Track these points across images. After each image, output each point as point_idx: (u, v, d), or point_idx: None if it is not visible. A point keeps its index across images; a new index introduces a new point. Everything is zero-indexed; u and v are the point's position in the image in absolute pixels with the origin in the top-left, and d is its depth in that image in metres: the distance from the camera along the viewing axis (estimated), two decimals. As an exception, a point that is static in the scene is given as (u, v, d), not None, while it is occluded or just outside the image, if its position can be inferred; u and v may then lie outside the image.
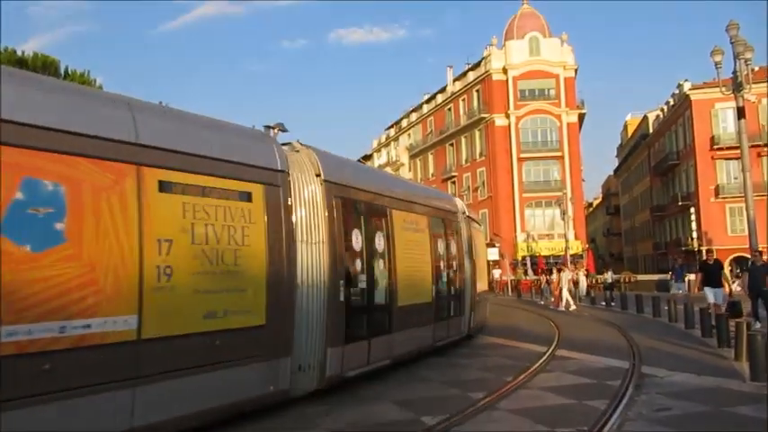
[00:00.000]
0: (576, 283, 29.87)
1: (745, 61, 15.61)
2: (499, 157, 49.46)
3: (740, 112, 16.48)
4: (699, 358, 10.54)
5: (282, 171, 7.11)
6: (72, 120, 5.02)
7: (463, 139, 54.80)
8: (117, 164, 5.25)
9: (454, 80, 58.05)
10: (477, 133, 52.75)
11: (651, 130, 60.46)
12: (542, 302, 27.57)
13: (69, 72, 24.74)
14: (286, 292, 6.89)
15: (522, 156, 49.03)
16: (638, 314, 20.14)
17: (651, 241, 59.47)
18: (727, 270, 27.66)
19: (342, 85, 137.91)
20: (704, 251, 28.40)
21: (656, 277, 37.43)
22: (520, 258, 46.79)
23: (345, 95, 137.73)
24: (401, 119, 69.33)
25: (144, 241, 5.34)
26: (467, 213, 13.77)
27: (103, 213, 5.07)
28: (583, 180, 52.10)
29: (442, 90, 59.94)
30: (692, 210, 45.03)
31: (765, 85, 32.89)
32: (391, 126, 72.70)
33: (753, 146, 29.18)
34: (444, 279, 11.65)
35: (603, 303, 25.38)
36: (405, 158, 65.55)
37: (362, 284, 8.50)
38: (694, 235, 43.98)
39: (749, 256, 16.41)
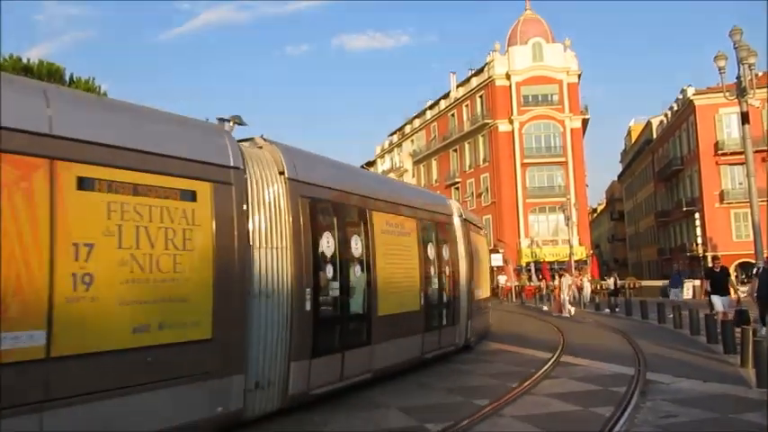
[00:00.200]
0: (580, 289, 29.86)
1: (749, 66, 15.60)
2: (503, 162, 49.46)
3: (744, 118, 16.45)
4: (704, 365, 10.48)
5: (237, 168, 6.38)
6: None
7: (467, 145, 54.84)
8: (25, 158, 4.65)
9: (457, 86, 58.15)
10: (480, 139, 52.78)
11: (655, 136, 60.40)
12: (545, 308, 27.52)
13: (74, 79, 24.86)
14: (239, 303, 6.20)
15: (526, 161, 49.03)
16: (643, 320, 20.06)
17: (656, 247, 59.30)
18: (732, 276, 27.54)
19: (345, 91, 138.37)
20: (709, 257, 28.22)
21: (660, 283, 37.40)
22: (524, 264, 46.70)
23: (349, 101, 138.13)
24: (404, 125, 69.44)
25: (56, 245, 4.71)
26: (463, 216, 13.00)
27: (4, 213, 4.49)
28: (587, 185, 52.12)
29: (446, 96, 60.03)
30: (697, 215, 44.93)
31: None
32: (395, 132, 72.81)
33: (757, 151, 29.07)
34: (435, 286, 10.94)
35: (608, 310, 25.31)
36: (408, 165, 65.60)
37: (335, 293, 7.83)
38: (699, 240, 43.86)
39: (755, 261, 16.32)
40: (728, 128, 44.42)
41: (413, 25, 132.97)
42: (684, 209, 48.37)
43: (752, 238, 16.79)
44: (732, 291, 14.45)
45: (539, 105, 49.70)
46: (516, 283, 39.54)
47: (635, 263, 68.92)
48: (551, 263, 44.59)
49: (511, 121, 49.52)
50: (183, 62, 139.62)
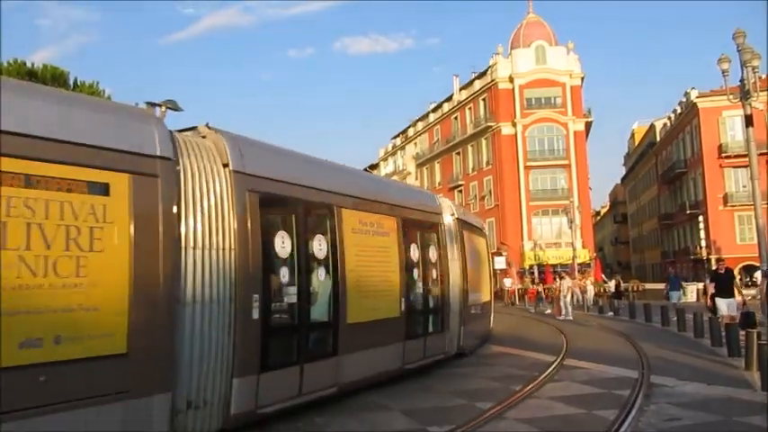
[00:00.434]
0: (583, 292, 29.83)
1: (753, 69, 15.56)
2: (506, 165, 49.41)
3: (748, 120, 16.40)
4: (709, 368, 10.45)
5: (165, 158, 5.60)
6: None
7: (470, 148, 54.82)
8: None
9: (460, 89, 58.15)
10: (483, 142, 52.76)
11: (658, 139, 60.31)
12: (548, 311, 27.48)
13: (78, 83, 24.94)
14: (165, 311, 5.45)
15: (529, 164, 48.96)
16: (647, 323, 20.02)
17: (659, 250, 59.18)
18: (737, 279, 27.44)
19: (349, 93, 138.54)
20: (713, 260, 28.18)
21: (663, 286, 37.24)
22: (527, 267, 46.63)
23: (352, 104, 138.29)
24: (408, 128, 69.48)
25: None
26: (457, 215, 12.13)
27: None
28: (590, 188, 52.00)
29: (449, 99, 60.04)
30: (701, 218, 44.83)
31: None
32: (398, 135, 72.86)
33: (761, 154, 28.90)
34: (420, 290, 10.16)
35: (611, 313, 25.28)
36: (411, 167, 65.64)
37: (291, 299, 7.07)
38: (703, 243, 43.78)
39: (759, 264, 16.27)
40: (732, 130, 44.30)
41: (416, 28, 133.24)
42: (688, 212, 48.27)
43: (756, 240, 16.73)
44: (737, 293, 14.37)
45: (542, 108, 49.64)
46: (519, 286, 39.48)
47: (638, 266, 68.77)
48: (554, 266, 44.52)
49: (514, 124, 49.49)
50: (185, 64, 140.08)
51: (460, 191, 55.20)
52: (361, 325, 8.16)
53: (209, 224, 6.03)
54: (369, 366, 8.43)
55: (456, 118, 57.79)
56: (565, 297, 23.91)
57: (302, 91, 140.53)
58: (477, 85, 54.56)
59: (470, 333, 12.46)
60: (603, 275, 36.22)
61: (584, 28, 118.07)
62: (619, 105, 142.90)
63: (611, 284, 29.76)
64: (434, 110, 62.96)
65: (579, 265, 37.76)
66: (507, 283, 36.96)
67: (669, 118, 56.94)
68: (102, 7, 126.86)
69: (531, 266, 46.61)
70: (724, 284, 14.20)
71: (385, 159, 74.93)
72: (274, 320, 6.85)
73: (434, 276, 10.74)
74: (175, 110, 6.36)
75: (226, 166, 6.35)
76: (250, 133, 7.33)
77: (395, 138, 73.94)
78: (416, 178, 63.48)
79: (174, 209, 5.65)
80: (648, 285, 41.46)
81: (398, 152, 71.33)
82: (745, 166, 30.01)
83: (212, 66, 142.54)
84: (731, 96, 16.70)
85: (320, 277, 7.59)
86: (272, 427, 6.63)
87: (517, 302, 35.61)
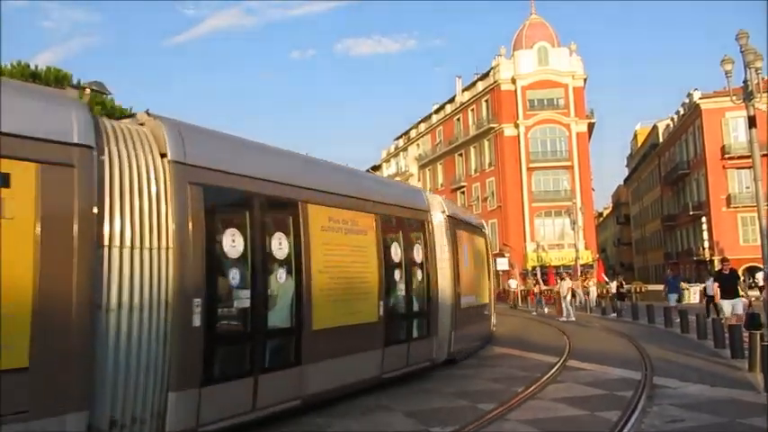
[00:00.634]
0: (586, 293, 29.81)
1: (756, 70, 15.53)
2: (508, 166, 49.41)
3: (751, 122, 16.36)
4: (712, 369, 10.43)
5: (85, 146, 5.01)
6: None
7: (472, 149, 54.82)
8: None
9: (463, 90, 58.17)
10: (486, 143, 52.76)
11: (661, 140, 60.24)
12: (547, 311, 27.46)
13: (81, 85, 25.00)
14: (80, 319, 4.83)
15: (532, 165, 48.95)
16: (650, 324, 19.98)
17: (662, 251, 59.09)
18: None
19: (351, 95, 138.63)
20: (716, 260, 28.13)
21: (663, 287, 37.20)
22: (530, 268, 46.59)
23: (355, 105, 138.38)
24: (410, 129, 69.53)
25: None
26: (448, 213, 11.32)
27: None
28: (593, 189, 51.95)
29: (451, 100, 60.06)
30: (704, 219, 44.75)
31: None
32: (400, 136, 72.90)
33: (764, 155, 28.81)
34: (402, 292, 9.45)
35: (614, 314, 25.27)
36: (414, 169, 65.69)
37: (243, 303, 6.36)
38: (706, 245, 43.70)
39: (762, 266, 16.23)
40: (735, 132, 44.22)
41: (418, 29, 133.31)
42: (691, 213, 48.22)
43: (759, 242, 16.70)
44: (742, 293, 14.28)
45: (544, 109, 49.64)
46: (522, 287, 39.45)
47: (641, 267, 68.68)
48: (557, 267, 44.48)
49: (516, 126, 49.49)
50: (188, 67, 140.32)
51: (463, 192, 55.21)
52: (331, 331, 7.51)
53: (141, 221, 5.39)
54: (340, 375, 7.75)
55: (458, 119, 57.80)
56: (565, 298, 23.89)
57: (304, 92, 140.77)
58: (480, 86, 54.59)
59: (464, 338, 11.73)
60: (606, 277, 36.18)
61: (587, 29, 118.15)
62: (621, 106, 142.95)
63: (612, 285, 29.75)
64: (437, 111, 63.00)
65: (582, 266, 37.70)
66: (513, 284, 36.89)
67: (672, 119, 56.89)
68: (105, 9, 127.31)
69: (534, 268, 46.56)
70: (728, 285, 14.13)
71: (387, 161, 74.97)
72: (221, 327, 6.27)
73: (420, 278, 10.02)
74: (102, 93, 5.76)
75: (164, 155, 5.72)
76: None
77: (397, 139, 73.98)
78: (419, 179, 63.49)
79: (95, 203, 5.06)
80: (651, 287, 41.44)
81: (401, 153, 71.37)
82: (749, 168, 30.00)
83: (214, 67, 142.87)
84: (734, 98, 16.68)
85: (280, 279, 6.90)
86: (271, 429, 6.63)
87: (520, 304, 35.58)
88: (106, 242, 5.14)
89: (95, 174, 5.09)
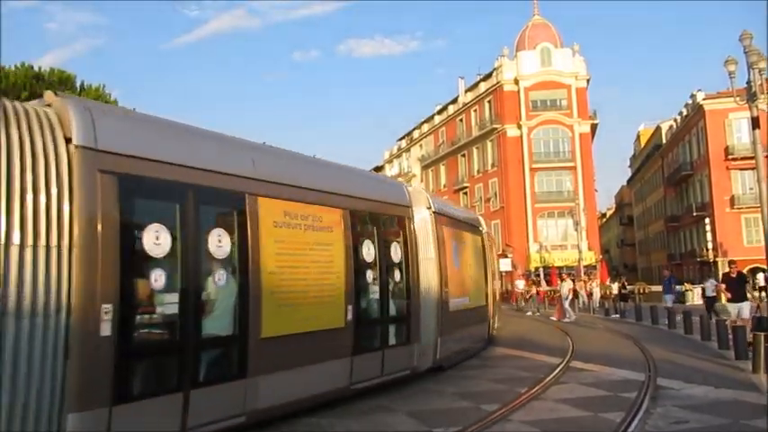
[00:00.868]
0: (589, 295, 29.75)
1: (759, 71, 15.51)
2: (511, 167, 49.42)
3: (755, 123, 16.33)
4: (716, 371, 10.40)
5: None
6: None
7: (475, 150, 54.84)
8: None
9: (466, 91, 58.21)
10: (488, 144, 52.78)
11: (664, 141, 60.18)
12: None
13: (85, 86, 25.06)
14: None
15: (535, 166, 48.96)
16: (653, 325, 19.96)
17: (665, 252, 58.98)
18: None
19: (353, 96, 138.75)
20: (720, 263, 28.05)
21: (662, 289, 37.13)
22: (533, 269, 46.57)
23: (357, 106, 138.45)
24: (413, 130, 69.59)
25: None
26: (434, 209, 10.37)
27: None
28: (596, 190, 52.01)
29: (454, 101, 60.11)
30: (707, 220, 44.66)
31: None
32: (403, 137, 72.96)
33: (768, 156, 28.93)
34: (375, 295, 8.62)
35: (617, 315, 25.23)
36: (417, 169, 65.73)
37: (170, 309, 5.62)
38: (709, 246, 43.59)
39: (766, 267, 16.20)
40: (739, 133, 44.17)
41: (421, 30, 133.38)
42: (694, 214, 48.11)
43: (763, 243, 16.66)
44: (749, 296, 14.23)
45: (547, 110, 49.65)
46: (525, 288, 39.42)
47: (644, 268, 68.57)
48: (560, 268, 44.46)
49: (519, 126, 49.49)
50: (191, 68, 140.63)
51: (465, 193, 55.24)
52: (286, 338, 6.71)
53: (35, 215, 4.65)
54: (298, 388, 6.94)
55: (461, 120, 57.85)
56: (566, 299, 23.83)
57: (306, 94, 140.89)
58: (483, 87, 54.64)
59: (453, 343, 10.97)
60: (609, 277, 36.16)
61: (590, 30, 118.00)
62: (624, 107, 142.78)
63: (614, 286, 29.72)
64: (440, 112, 63.06)
65: (585, 267, 37.67)
66: (520, 285, 36.79)
67: (675, 120, 56.83)
68: (108, 11, 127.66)
69: (537, 269, 46.57)
70: (735, 288, 14.08)
71: (390, 161, 75.03)
72: (139, 337, 5.47)
73: (398, 279, 9.15)
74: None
75: (69, 140, 4.94)
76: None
77: (400, 140, 74.05)
78: (421, 180, 63.54)
79: None
80: (654, 288, 41.38)
81: (404, 154, 71.43)
82: (752, 169, 29.91)
83: (217, 68, 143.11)
84: (738, 98, 16.65)
85: (219, 282, 6.08)
86: (271, 429, 6.62)
87: (524, 305, 35.55)
88: None
89: None
